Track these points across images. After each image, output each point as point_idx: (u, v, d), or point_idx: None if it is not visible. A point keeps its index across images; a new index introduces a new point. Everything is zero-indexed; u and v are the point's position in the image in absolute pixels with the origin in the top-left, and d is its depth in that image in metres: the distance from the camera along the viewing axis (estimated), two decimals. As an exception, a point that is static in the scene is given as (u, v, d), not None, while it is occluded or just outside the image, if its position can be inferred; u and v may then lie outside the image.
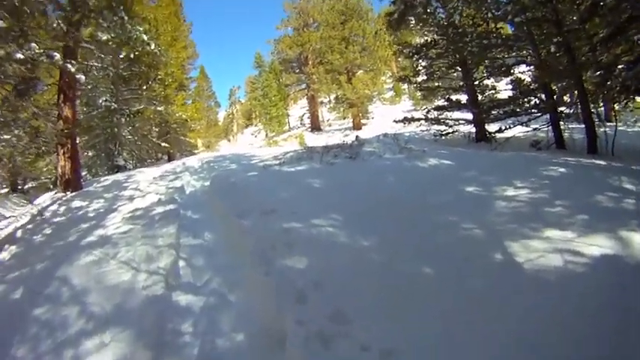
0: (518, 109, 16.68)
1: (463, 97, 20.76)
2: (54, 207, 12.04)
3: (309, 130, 48.94)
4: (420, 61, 22.07)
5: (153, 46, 16.18)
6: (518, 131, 16.84)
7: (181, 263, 6.88)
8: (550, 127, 15.39)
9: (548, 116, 15.61)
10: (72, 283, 6.18)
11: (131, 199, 11.71)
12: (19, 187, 23.95)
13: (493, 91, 21.02)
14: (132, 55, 15.83)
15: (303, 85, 51.40)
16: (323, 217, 6.86)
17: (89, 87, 21.69)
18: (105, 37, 14.15)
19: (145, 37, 15.39)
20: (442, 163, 10.18)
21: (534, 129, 16.12)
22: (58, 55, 12.48)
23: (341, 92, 42.45)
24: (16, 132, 13.43)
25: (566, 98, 16.23)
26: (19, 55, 11.07)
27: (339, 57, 40.75)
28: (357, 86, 41.07)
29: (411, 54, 21.57)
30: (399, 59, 54.69)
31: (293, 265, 5.41)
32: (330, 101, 52.54)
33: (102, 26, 13.89)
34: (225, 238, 7.74)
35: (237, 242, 7.15)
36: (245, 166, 13.93)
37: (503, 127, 17.04)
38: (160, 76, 24.70)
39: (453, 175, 9.00)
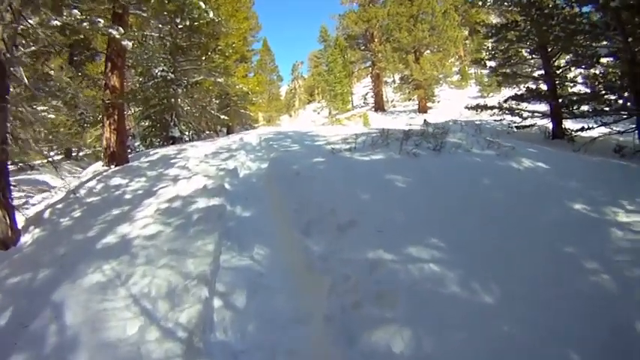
0: (604, 107, 14.20)
1: (541, 87, 18.54)
2: (92, 183, 10.93)
3: (373, 109, 46.30)
4: (497, 43, 19.82)
5: (212, 15, 15.13)
6: (598, 132, 14.53)
7: (216, 303, 4.88)
8: (637, 132, 13.24)
9: (635, 118, 13.48)
10: (63, 320, 4.55)
11: (175, 180, 9.92)
12: (73, 153, 23.96)
13: (573, 84, 18.20)
14: (188, 24, 14.56)
15: (368, 63, 49.48)
16: (420, 243, 5.22)
17: (145, 57, 20.38)
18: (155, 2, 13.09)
19: (203, 5, 14.20)
20: (537, 166, 8.81)
21: (618, 132, 13.82)
22: (101, 22, 11.13)
23: (408, 72, 40.44)
24: (53, 102, 11.86)
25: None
26: (56, 22, 10.01)
27: (407, 35, 38.54)
28: (424, 67, 38.93)
29: (490, 34, 19.24)
30: (467, 42, 52.52)
31: (389, 344, 3.65)
32: (394, 81, 50.53)
33: None
34: (285, 263, 5.73)
35: (302, 278, 5.30)
36: (310, 149, 11.85)
37: (586, 127, 14.65)
38: (220, 47, 23.34)
39: (554, 184, 7.71)
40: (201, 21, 15.25)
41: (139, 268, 5.39)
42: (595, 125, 14.39)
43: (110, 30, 11.23)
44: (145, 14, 14.39)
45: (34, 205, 11.26)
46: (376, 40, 45.62)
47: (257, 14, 40.30)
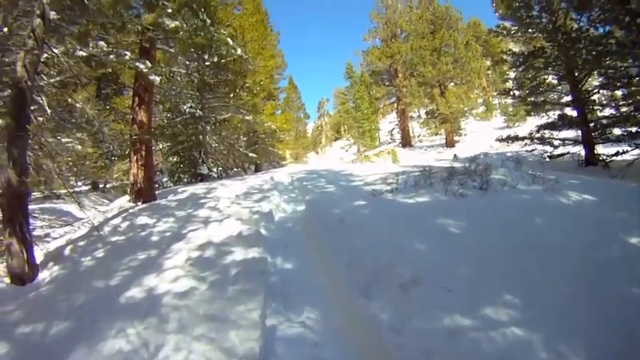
0: (635, 129, 14.24)
1: (569, 113, 18.70)
2: (117, 220, 10.18)
3: (400, 145, 45.81)
4: (524, 72, 19.93)
5: (239, 51, 14.55)
6: (631, 155, 14.24)
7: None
8: None
9: None
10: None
11: (206, 222, 9.18)
12: (100, 185, 24.16)
13: (601, 108, 18.05)
14: (215, 59, 14.52)
15: (393, 99, 49.52)
16: (493, 301, 4.63)
17: (173, 93, 19.94)
18: (183, 35, 12.49)
19: (230, 42, 13.79)
20: (584, 198, 8.19)
21: None
22: (128, 54, 10.75)
23: (433, 106, 40.32)
24: (78, 135, 11.44)
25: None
26: (81, 53, 9.61)
27: (431, 69, 38.50)
28: (450, 100, 38.81)
29: (517, 63, 19.35)
30: (489, 72, 52.28)
31: None
32: (419, 116, 50.34)
33: (182, 27, 12.10)
34: (344, 334, 4.74)
35: (369, 351, 4.35)
36: (347, 190, 11.17)
37: (620, 150, 14.56)
38: (247, 85, 22.77)
39: (604, 217, 7.07)
40: (228, 58, 15.00)
41: (171, 337, 4.57)
42: (629, 148, 14.30)
43: (137, 64, 10.78)
44: (172, 50, 14.15)
45: (55, 238, 10.59)
46: (400, 75, 45.64)
47: (283, 52, 40.25)
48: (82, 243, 8.59)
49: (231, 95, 21.82)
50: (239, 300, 5.28)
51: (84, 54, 9.65)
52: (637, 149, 14.06)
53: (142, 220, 9.84)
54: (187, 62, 17.61)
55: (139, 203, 11.98)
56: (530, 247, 5.85)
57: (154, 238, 8.39)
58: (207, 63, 16.22)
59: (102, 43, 9.97)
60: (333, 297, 5.40)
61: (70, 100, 11.44)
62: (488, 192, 8.55)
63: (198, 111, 20.88)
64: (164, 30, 11.55)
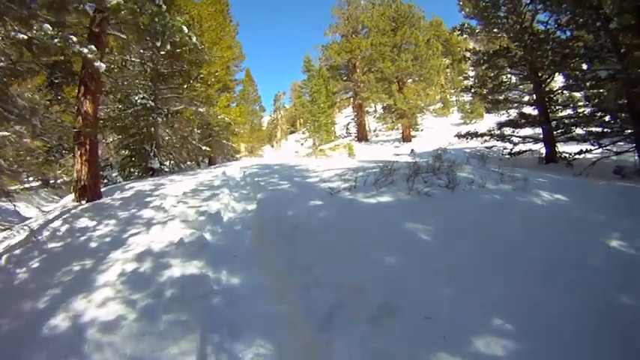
0: (604, 130, 14.46)
1: (530, 112, 19.44)
2: (57, 223, 9.34)
3: (356, 139, 45.90)
4: (487, 70, 20.26)
5: (194, 40, 13.77)
6: (594, 154, 14.47)
7: None
8: (636, 151, 13.24)
9: (634, 138, 13.47)
10: None
11: (148, 225, 8.38)
12: (52, 181, 22.57)
13: (563, 108, 18.54)
14: (169, 47, 13.50)
15: (350, 94, 49.80)
16: (482, 329, 3.84)
17: (125, 82, 19.12)
18: (135, 20, 11.63)
19: (186, 29, 12.92)
20: (557, 199, 7.92)
21: (616, 153, 13.94)
22: (73, 38, 9.81)
23: (391, 102, 40.24)
24: (17, 127, 10.56)
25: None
26: (21, 36, 9.02)
27: (390, 65, 38.56)
28: (408, 96, 39.29)
29: (481, 62, 19.25)
30: (447, 70, 52.85)
31: None
32: (375, 110, 52.34)
33: (135, 11, 11.23)
34: None
35: None
36: (302, 188, 10.25)
37: (584, 149, 14.60)
38: (202, 76, 22.09)
39: (582, 219, 6.76)
40: (183, 47, 14.04)
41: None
42: (593, 148, 14.45)
43: (82, 48, 9.85)
44: (124, 36, 13.28)
45: (-6, 245, 9.58)
46: (358, 70, 45.69)
47: (241, 43, 39.76)
48: (18, 251, 7.84)
49: (185, 86, 21.13)
50: (173, 335, 4.42)
51: (25, 37, 8.98)
52: (600, 149, 14.22)
53: (83, 222, 9.06)
54: (142, 51, 16.98)
55: (83, 202, 11.19)
56: (513, 257, 5.29)
57: (93, 245, 7.63)
58: (162, 52, 15.06)
59: (46, 26, 9.30)
60: (288, 330, 4.48)
61: (17, 87, 10.87)
62: (456, 191, 7.89)
63: (150, 102, 20.05)
64: (109, 10, 10.68)
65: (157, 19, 11.62)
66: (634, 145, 13.47)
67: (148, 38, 12.81)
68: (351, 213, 7.13)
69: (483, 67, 20.17)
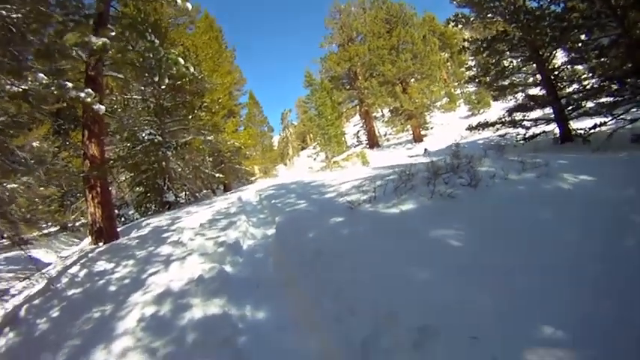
0: (612, 99, 14.21)
1: (537, 92, 19.15)
2: (75, 268, 9.06)
3: (367, 146, 45.50)
4: (489, 57, 19.80)
5: (192, 70, 13.63)
6: (608, 127, 14.22)
7: None
8: None
9: None
10: None
11: (167, 262, 8.04)
12: (70, 224, 21.53)
13: (570, 83, 17.86)
14: (167, 81, 13.32)
15: (355, 102, 49.10)
16: (535, 339, 3.45)
17: (130, 120, 19.07)
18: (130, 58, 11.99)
19: (182, 61, 12.73)
20: (582, 179, 7.49)
21: (630, 121, 13.50)
22: (69, 84, 9.67)
23: (397, 104, 39.82)
24: (24, 179, 10.44)
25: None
26: (15, 89, 8.81)
27: (390, 67, 38.33)
28: (413, 96, 38.96)
29: (481, 49, 19.06)
30: (448, 64, 52.68)
31: None
32: (383, 115, 51.26)
33: (124, 49, 11.54)
34: None
35: None
36: (320, 205, 9.97)
37: (599, 123, 14.37)
38: (205, 104, 22.20)
39: (612, 199, 6.35)
40: (183, 79, 14.09)
41: None
42: (606, 119, 14.26)
43: (79, 93, 9.73)
44: (121, 75, 13.28)
45: (14, 295, 9.27)
46: (360, 77, 45.26)
47: (240, 68, 40.07)
48: (37, 301, 7.54)
49: (190, 117, 20.94)
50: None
51: (18, 90, 8.72)
52: (614, 120, 13.98)
53: (101, 265, 8.77)
54: (142, 88, 17.00)
55: (100, 244, 10.95)
56: (544, 252, 4.86)
57: (112, 288, 7.35)
58: (162, 86, 15.20)
59: (41, 75, 9.09)
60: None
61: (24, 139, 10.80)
62: (479, 188, 7.38)
63: (157, 137, 19.78)
64: (95, 51, 10.56)
65: (151, 55, 11.61)
66: None
67: (146, 75, 12.89)
68: (374, 227, 6.68)
69: (484, 55, 19.78)
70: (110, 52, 10.88)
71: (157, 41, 11.84)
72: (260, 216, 11.36)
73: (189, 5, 14.27)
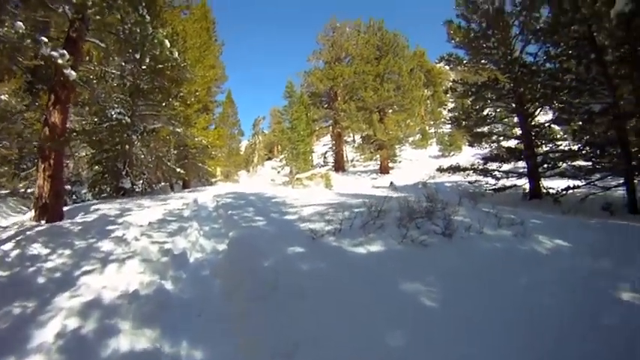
0: (595, 165, 14.75)
1: (514, 145, 20.26)
2: (9, 245, 8.13)
3: (333, 169, 45.08)
4: (474, 102, 20.44)
5: (176, 56, 13.18)
6: (578, 190, 15.02)
7: None
8: (625, 188, 13.47)
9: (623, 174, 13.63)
10: None
11: (104, 261, 7.25)
12: (22, 190, 20.38)
13: (549, 142, 18.65)
14: (148, 61, 12.66)
15: (330, 121, 48.80)
16: None
17: (102, 95, 17.94)
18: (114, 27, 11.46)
19: (168, 44, 12.24)
20: (557, 244, 7.22)
21: (603, 189, 14.26)
22: (44, 40, 9.06)
23: (370, 132, 40.07)
24: None
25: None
26: None
27: (372, 94, 38.65)
28: (389, 126, 39.20)
29: (468, 93, 19.52)
30: (428, 101, 53.47)
31: None
32: (354, 140, 52.51)
33: (110, 12, 10.57)
34: None
35: None
36: (280, 227, 9.12)
37: (571, 185, 15.04)
38: (182, 94, 21.17)
39: (588, 268, 6.22)
40: (165, 63, 13.30)
41: None
42: (581, 184, 14.92)
43: (52, 52, 9.11)
44: (103, 45, 12.55)
45: None
46: (340, 98, 45.22)
47: (224, 64, 39.02)
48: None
49: (164, 104, 20.07)
50: None
51: None
52: (588, 185, 14.67)
53: (36, 248, 7.93)
54: (123, 63, 16.15)
55: (43, 222, 10.23)
56: (528, 323, 4.59)
57: (41, 280, 6.53)
58: (143, 67, 14.26)
59: (19, 24, 8.69)
60: None
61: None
62: (454, 239, 7.07)
63: (126, 118, 19.02)
64: (75, 5, 9.85)
65: (138, 29, 11.09)
66: (622, 181, 13.53)
67: (129, 51, 12.36)
68: (339, 268, 6.06)
69: (470, 100, 20.19)
70: (91, 10, 10.09)
71: (147, 17, 11.28)
72: (214, 226, 10.55)
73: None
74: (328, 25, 46.83)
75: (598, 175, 14.70)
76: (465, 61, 20.56)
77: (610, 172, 14.23)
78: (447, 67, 33.35)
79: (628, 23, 10.44)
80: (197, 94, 25.50)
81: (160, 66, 13.36)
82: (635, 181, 13.45)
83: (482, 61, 19.97)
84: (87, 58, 14.80)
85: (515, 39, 18.86)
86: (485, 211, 9.10)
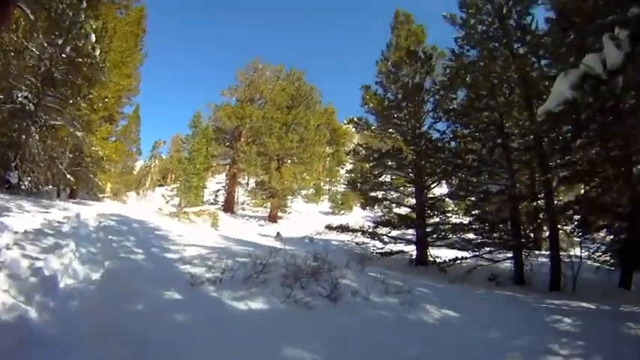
0: (480, 238, 16.53)
1: (405, 212, 21.58)
2: None
3: (222, 209, 44.60)
4: (374, 168, 21.78)
5: (97, 53, 13.33)
6: (467, 261, 16.42)
7: None
8: (513, 262, 15.16)
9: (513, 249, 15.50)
10: None
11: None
12: None
13: (441, 214, 20.71)
14: (69, 51, 11.90)
15: (228, 160, 49.07)
16: None
17: (14, 72, 17.33)
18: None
19: (93, 38, 12.17)
20: (446, 315, 7.61)
21: (492, 261, 15.81)
22: None
23: (266, 178, 40.63)
24: None
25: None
26: None
27: (275, 142, 39.55)
28: (285, 176, 39.94)
29: (371, 158, 20.95)
30: (327, 159, 54.98)
31: None
32: (247, 184, 52.29)
33: None
34: None
35: None
36: (159, 266, 8.66)
37: (460, 257, 16.39)
38: (91, 96, 20.75)
39: (478, 339, 6.55)
40: (85, 58, 13.54)
41: None
42: (468, 255, 16.28)
43: None
44: (32, 17, 11.85)
45: None
46: (243, 139, 45.60)
47: (141, 76, 37.58)
48: None
49: (71, 101, 19.59)
50: None
51: None
52: (475, 257, 16.10)
53: None
54: (45, 44, 15.68)
55: None
56: None
57: None
58: (63, 55, 14.37)
59: None
60: None
61: None
62: (340, 303, 7.04)
63: (30, 105, 18.18)
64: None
65: (71, 13, 10.89)
66: (511, 254, 15.21)
67: (55, 33, 12.12)
68: (218, 324, 5.72)
69: (370, 164, 21.55)
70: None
71: (84, 3, 11.02)
72: (91, 249, 9.65)
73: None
74: (250, 64, 47.46)
75: (487, 249, 16.01)
76: (373, 127, 22.24)
77: (500, 247, 15.64)
78: (354, 130, 34.68)
79: (554, 121, 11.33)
80: (106, 100, 24.82)
81: (79, 59, 12.98)
82: (523, 255, 14.99)
83: (390, 130, 21.65)
84: (13, 25, 14.03)
85: (427, 115, 20.95)
86: (372, 275, 9.36)
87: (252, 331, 5.66)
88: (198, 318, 5.79)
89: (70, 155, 25.21)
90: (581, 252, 14.78)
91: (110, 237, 11.18)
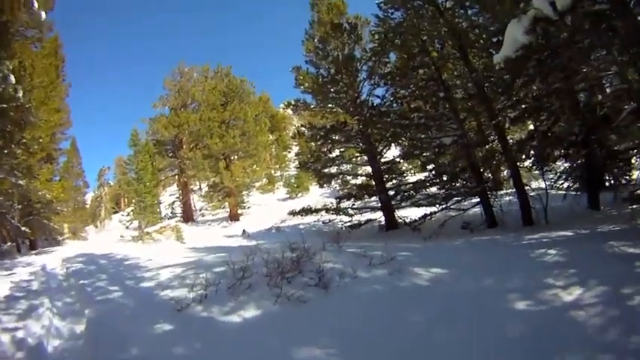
0: (444, 192, 16.61)
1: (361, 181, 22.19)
2: None
3: (182, 220, 43.91)
4: (322, 145, 22.00)
5: (20, 95, 12.68)
6: (436, 216, 16.48)
7: None
8: (481, 206, 15.20)
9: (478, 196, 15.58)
10: None
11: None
12: None
13: (399, 175, 21.29)
14: None
15: (175, 171, 48.00)
16: None
17: None
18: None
19: (13, 80, 11.71)
20: (436, 274, 7.42)
21: (458, 209, 15.96)
22: None
23: (218, 179, 40.24)
24: None
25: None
26: None
27: (218, 141, 38.92)
28: (235, 173, 39.51)
29: (317, 137, 21.22)
30: (272, 146, 54.98)
31: None
32: (201, 189, 52.48)
33: None
34: None
35: None
36: (139, 299, 8.16)
37: (428, 213, 16.38)
38: (24, 140, 19.49)
39: (473, 290, 6.45)
40: (9, 103, 12.58)
41: None
42: (436, 210, 16.33)
43: None
44: None
45: None
46: (185, 146, 44.85)
47: (70, 108, 36.10)
48: None
49: (6, 151, 17.90)
50: None
51: None
52: (444, 210, 16.17)
53: None
54: None
55: None
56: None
57: None
58: None
59: None
60: None
61: None
62: (331, 289, 6.86)
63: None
64: None
65: None
66: (478, 200, 15.34)
67: None
68: (216, 347, 5.41)
69: (318, 143, 21.67)
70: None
71: None
72: (67, 300, 9.20)
73: (43, 15, 12.88)
74: (176, 70, 46.29)
75: (454, 200, 15.99)
76: (312, 106, 22.18)
77: (465, 195, 15.89)
78: (292, 112, 34.68)
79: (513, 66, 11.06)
80: (40, 140, 23.65)
81: (4, 105, 12.26)
82: (489, 198, 15.11)
83: (330, 105, 21.59)
84: None
85: (363, 83, 21.17)
86: (352, 252, 9.17)
87: (254, 343, 5.42)
88: (195, 347, 5.48)
89: (19, 206, 23.70)
90: (545, 183, 14.93)
91: (82, 281, 10.60)
